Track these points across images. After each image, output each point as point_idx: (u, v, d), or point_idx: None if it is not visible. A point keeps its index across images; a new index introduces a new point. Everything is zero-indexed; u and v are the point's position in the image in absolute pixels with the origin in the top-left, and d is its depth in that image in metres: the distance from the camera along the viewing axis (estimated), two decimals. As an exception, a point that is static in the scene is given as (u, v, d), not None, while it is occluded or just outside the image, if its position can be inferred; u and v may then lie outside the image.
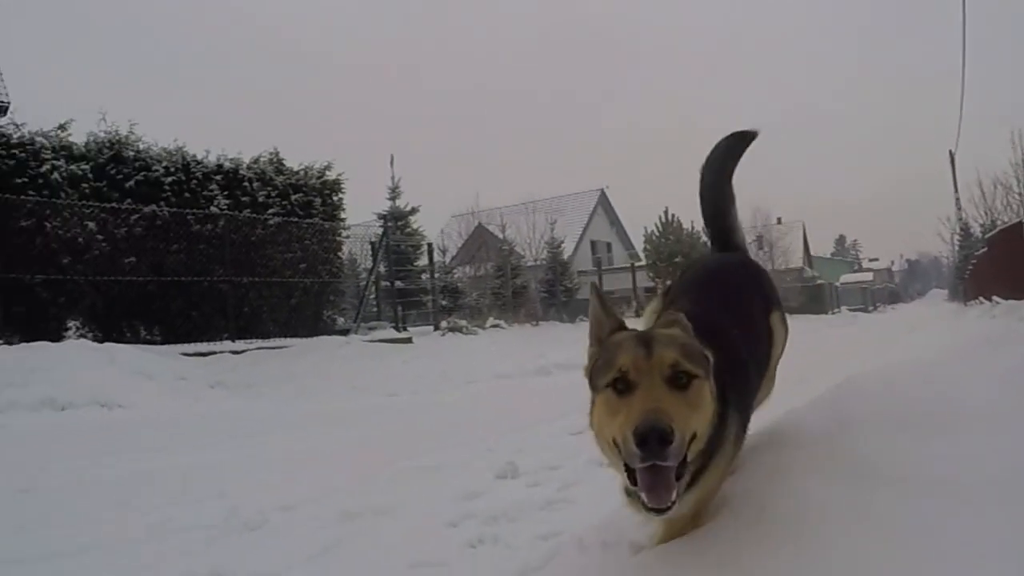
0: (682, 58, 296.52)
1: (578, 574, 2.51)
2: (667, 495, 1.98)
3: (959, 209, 42.25)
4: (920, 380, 3.56)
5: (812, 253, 70.03)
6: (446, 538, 3.42)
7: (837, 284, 65.37)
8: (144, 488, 4.85)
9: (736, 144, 3.31)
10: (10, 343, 11.34)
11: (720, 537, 2.25)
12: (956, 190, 41.26)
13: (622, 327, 2.43)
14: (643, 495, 1.99)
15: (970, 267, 33.60)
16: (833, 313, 42.73)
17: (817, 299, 47.76)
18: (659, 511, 1.99)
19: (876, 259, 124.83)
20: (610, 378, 2.14)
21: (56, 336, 12.44)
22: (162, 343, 13.82)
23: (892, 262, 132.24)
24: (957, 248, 44.79)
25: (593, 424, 2.20)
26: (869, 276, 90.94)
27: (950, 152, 40.63)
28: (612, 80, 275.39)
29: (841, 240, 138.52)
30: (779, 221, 56.63)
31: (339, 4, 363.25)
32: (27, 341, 11.38)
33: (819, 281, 56.04)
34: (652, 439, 1.87)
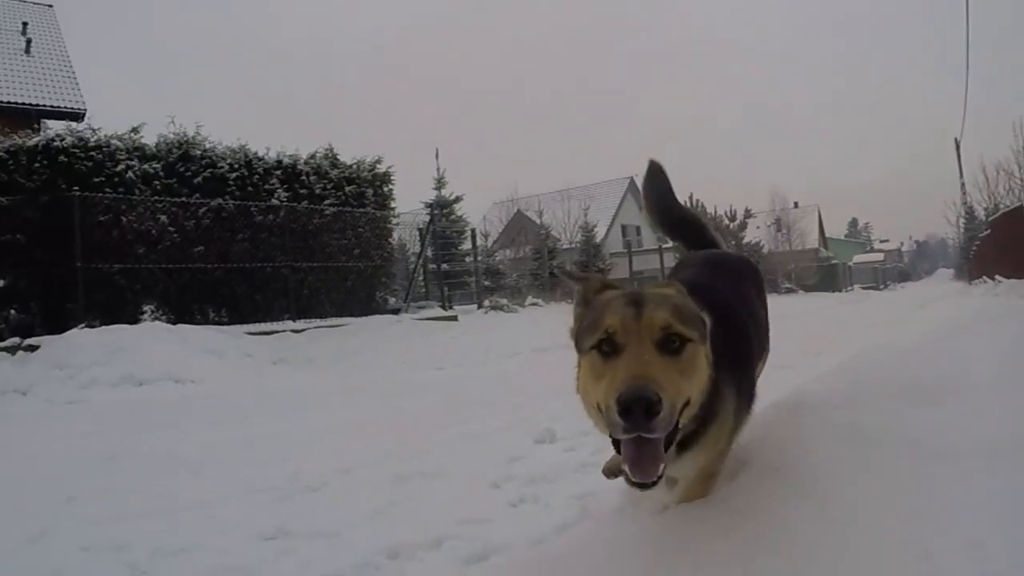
0: (701, 52, 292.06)
1: (607, 531, 2.50)
2: (652, 469, 1.75)
3: (964, 194, 41.70)
4: (925, 354, 3.58)
5: (827, 235, 69.06)
6: (490, 498, 3.45)
7: (850, 264, 64.49)
8: (215, 455, 4.92)
9: (655, 178, 3.28)
10: (92, 326, 11.53)
11: (739, 494, 2.26)
12: (961, 176, 40.68)
13: (610, 286, 2.18)
14: (626, 468, 1.78)
15: (974, 248, 33.23)
16: (846, 291, 42.15)
17: (831, 278, 47.17)
18: (642, 486, 1.76)
19: (887, 240, 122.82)
20: (596, 340, 1.89)
21: (133, 319, 12.70)
22: (229, 324, 14.03)
23: (902, 243, 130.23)
24: (962, 230, 44.22)
25: (579, 388, 1.99)
26: (880, 256, 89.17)
27: (955, 140, 39.86)
28: (640, 76, 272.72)
29: (854, 223, 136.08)
30: (796, 205, 56.14)
31: (383, 11, 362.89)
32: (107, 324, 11.60)
33: (833, 261, 55.45)
34: (637, 409, 1.64)
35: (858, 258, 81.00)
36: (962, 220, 44.34)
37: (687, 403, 1.85)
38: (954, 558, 1.61)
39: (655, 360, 1.78)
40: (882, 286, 56.01)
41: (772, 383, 4.98)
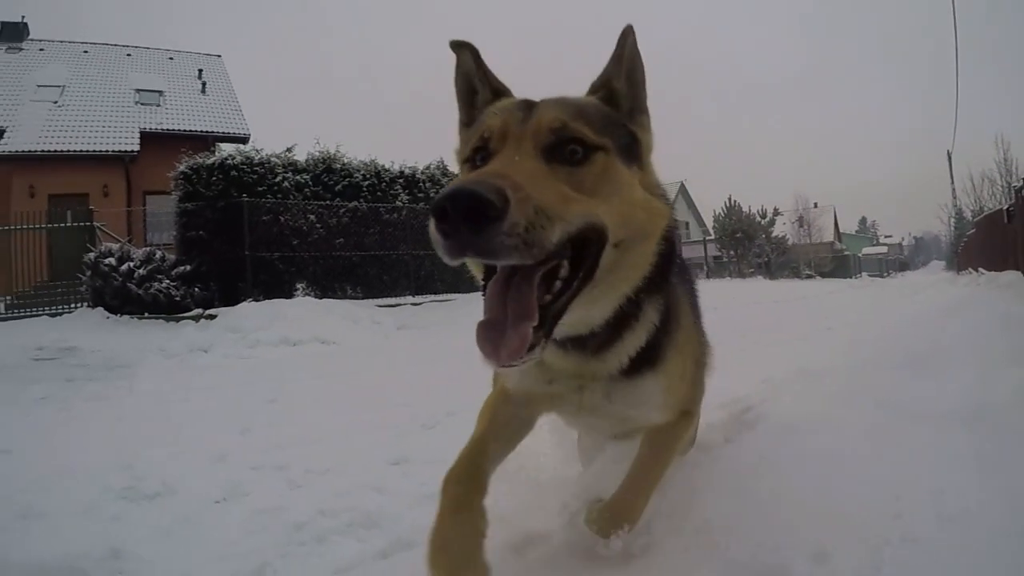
0: (737, 84, 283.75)
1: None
2: (511, 338, 1.08)
3: (954, 198, 40.52)
4: (915, 333, 3.65)
5: (841, 230, 66.62)
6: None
7: (859, 255, 62.02)
8: (351, 399, 5.00)
9: None
10: (257, 300, 12.05)
11: (750, 449, 2.27)
12: (952, 182, 39.24)
13: (505, 93, 1.49)
14: (477, 337, 1.11)
15: (962, 244, 32.20)
16: (856, 278, 41.49)
17: (843, 267, 46.08)
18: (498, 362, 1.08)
19: (890, 236, 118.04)
20: (468, 152, 1.30)
21: (288, 295, 13.14)
22: (362, 298, 14.31)
23: (903, 238, 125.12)
24: (952, 229, 43.27)
25: None
26: (884, 249, 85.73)
27: (948, 152, 38.29)
28: (690, 88, 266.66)
29: (863, 220, 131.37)
30: (815, 205, 54.34)
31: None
32: (268, 299, 12.09)
33: (846, 252, 53.96)
34: (452, 209, 0.97)
35: (866, 250, 77.74)
36: (952, 220, 43.69)
37: (605, 240, 1.20)
38: (918, 501, 1.65)
39: (532, 167, 1.15)
40: (885, 274, 55.11)
41: (791, 353, 4.83)
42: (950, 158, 38.15)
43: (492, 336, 1.09)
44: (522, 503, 1.96)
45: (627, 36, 1.39)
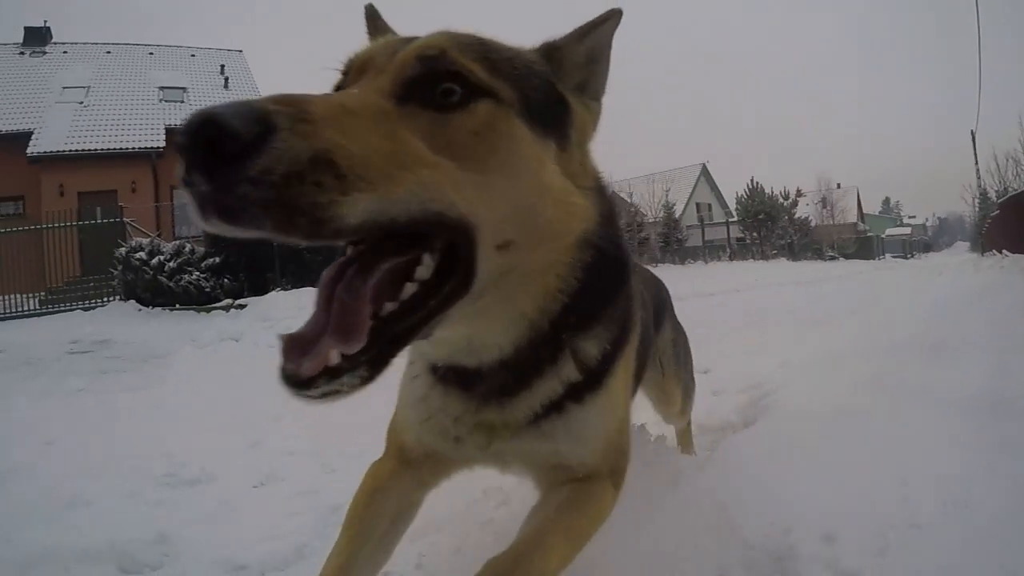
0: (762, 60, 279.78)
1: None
2: (301, 345, 0.81)
3: (979, 178, 39.19)
4: (935, 318, 3.66)
5: (864, 211, 65.51)
6: None
7: (883, 236, 61.16)
8: (379, 382, 5.07)
9: None
10: (285, 289, 12.30)
11: (767, 434, 2.34)
12: (976, 163, 38.06)
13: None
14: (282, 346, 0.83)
15: (986, 226, 31.77)
16: (879, 259, 41.05)
17: (867, 248, 45.47)
18: (296, 384, 0.81)
19: (914, 216, 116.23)
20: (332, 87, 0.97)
21: (316, 283, 13.18)
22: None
23: (926, 219, 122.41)
24: (977, 210, 41.80)
25: None
26: (908, 230, 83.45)
27: (972, 132, 37.29)
28: (714, 76, 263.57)
29: (887, 200, 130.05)
30: (839, 186, 53.45)
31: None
32: (296, 288, 12.28)
33: (869, 234, 53.19)
34: (196, 144, 0.65)
35: (890, 231, 76.24)
36: (976, 201, 42.14)
37: (470, 237, 0.85)
38: (924, 487, 1.68)
39: (365, 103, 0.79)
40: (909, 255, 54.29)
41: (812, 337, 4.85)
42: (974, 138, 37.47)
43: (293, 355, 0.82)
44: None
45: (608, 18, 1.12)
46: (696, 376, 4.22)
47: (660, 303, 2.11)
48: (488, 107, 0.87)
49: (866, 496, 1.65)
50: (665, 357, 2.22)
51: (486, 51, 0.91)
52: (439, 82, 0.84)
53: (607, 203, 1.12)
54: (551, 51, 1.08)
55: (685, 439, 2.61)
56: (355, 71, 0.92)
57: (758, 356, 4.27)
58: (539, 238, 0.93)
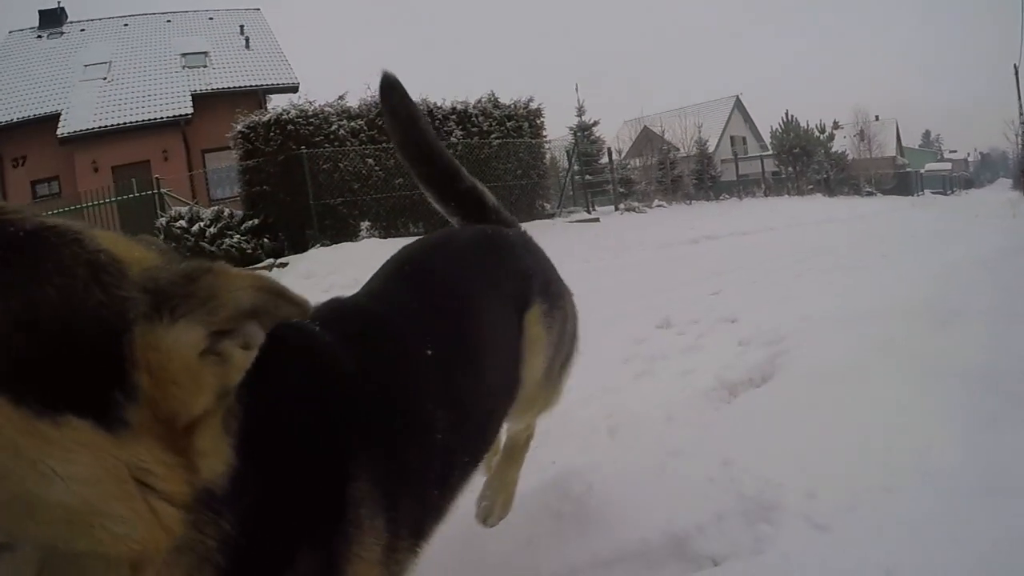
0: None
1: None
2: None
3: (1021, 114, 36.80)
4: (956, 280, 3.61)
5: (903, 144, 62.38)
6: (620, 371, 3.43)
7: (922, 171, 57.69)
8: None
9: (393, 100, 1.63)
10: (325, 245, 12.56)
11: (778, 393, 2.47)
12: (1020, 97, 35.69)
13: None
14: None
15: None
16: (918, 195, 39.22)
17: (905, 183, 43.74)
18: None
19: (955, 151, 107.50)
20: None
21: (354, 237, 13.41)
22: (424, 233, 14.47)
23: (968, 154, 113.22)
24: (1019, 147, 39.86)
25: None
26: (948, 165, 78.07)
27: (1015, 66, 34.92)
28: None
29: (927, 134, 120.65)
30: (876, 118, 50.74)
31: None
32: (336, 243, 12.60)
33: (908, 169, 51.01)
34: None
35: (929, 166, 71.34)
36: (1019, 138, 40.23)
37: None
38: (904, 454, 1.80)
39: None
40: (949, 192, 51.70)
41: (838, 286, 4.88)
42: (1016, 72, 35.45)
43: None
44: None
45: None
46: (724, 325, 4.33)
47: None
48: None
49: (852, 459, 1.82)
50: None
51: None
52: None
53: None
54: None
55: (515, 453, 1.89)
56: None
57: (783, 305, 4.35)
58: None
